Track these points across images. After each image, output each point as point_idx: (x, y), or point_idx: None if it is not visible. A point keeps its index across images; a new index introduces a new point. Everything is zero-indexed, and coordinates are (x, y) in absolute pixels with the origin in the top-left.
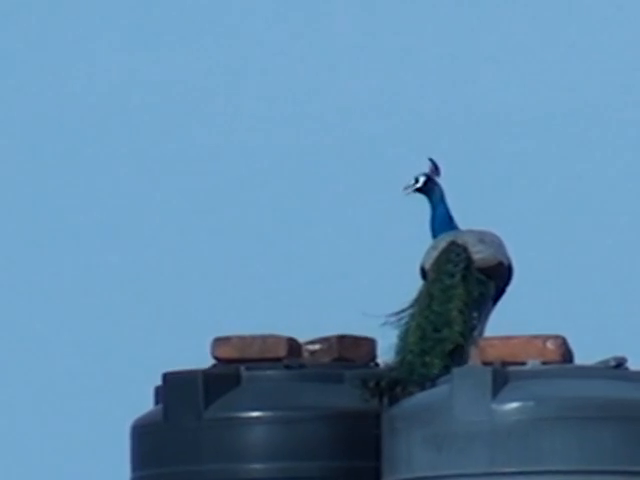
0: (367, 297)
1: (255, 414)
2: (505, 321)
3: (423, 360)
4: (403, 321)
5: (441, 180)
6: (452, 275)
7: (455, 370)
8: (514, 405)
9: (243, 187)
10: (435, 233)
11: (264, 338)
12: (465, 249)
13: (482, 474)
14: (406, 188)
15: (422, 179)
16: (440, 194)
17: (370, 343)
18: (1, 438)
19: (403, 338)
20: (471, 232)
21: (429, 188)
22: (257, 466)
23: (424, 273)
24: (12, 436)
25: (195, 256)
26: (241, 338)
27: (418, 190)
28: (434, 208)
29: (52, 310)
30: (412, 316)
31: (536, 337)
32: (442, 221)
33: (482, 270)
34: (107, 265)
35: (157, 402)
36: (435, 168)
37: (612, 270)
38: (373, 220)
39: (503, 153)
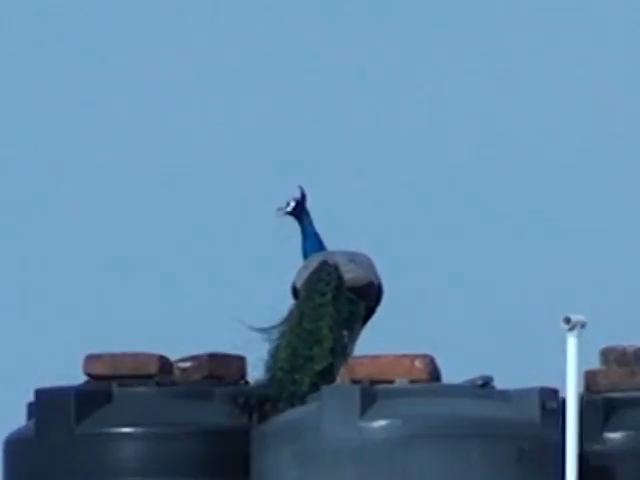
0: (239, 315)
1: (126, 430)
2: (374, 341)
3: (293, 377)
4: (273, 338)
5: (311, 204)
6: (323, 294)
7: (324, 388)
8: (382, 423)
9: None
10: (306, 254)
11: (136, 355)
12: (336, 268)
13: None
14: (278, 210)
15: (292, 203)
16: (309, 218)
17: (240, 361)
18: None
19: (273, 355)
20: (342, 252)
21: (299, 212)
22: None
23: (295, 292)
24: None
25: (66, 273)
26: (113, 355)
27: (289, 213)
28: (304, 230)
29: None
30: (283, 333)
31: (404, 356)
32: (312, 242)
33: (353, 289)
34: None
35: (29, 418)
36: (302, 195)
37: (478, 290)
38: (246, 240)
39: (370, 175)
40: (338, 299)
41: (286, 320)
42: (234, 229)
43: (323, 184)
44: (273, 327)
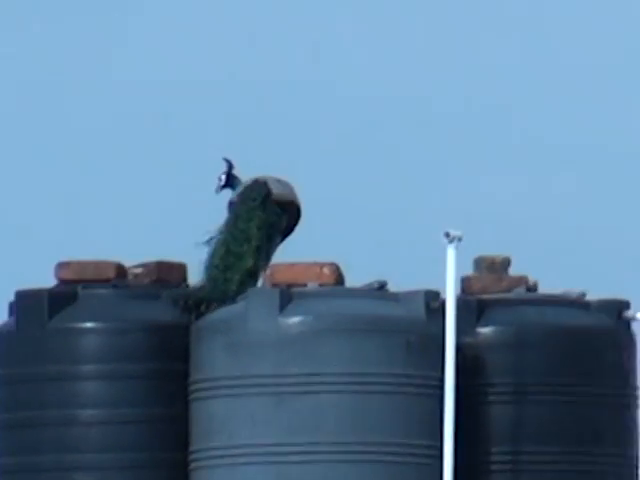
0: (183, 227)
1: (89, 325)
2: (291, 252)
3: (225, 276)
4: (213, 241)
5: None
6: (254, 199)
7: (250, 290)
8: (297, 319)
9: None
10: None
11: (97, 263)
12: (265, 184)
13: (269, 375)
14: (215, 191)
15: (223, 177)
16: (239, 181)
17: (183, 267)
18: None
19: (211, 255)
20: (271, 176)
21: (231, 182)
22: (90, 367)
23: (231, 206)
24: None
25: (49, 187)
26: (79, 263)
27: (224, 187)
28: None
29: None
30: (219, 234)
31: (315, 264)
32: None
33: (278, 203)
34: None
35: (10, 315)
36: (229, 166)
37: (372, 212)
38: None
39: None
40: (266, 207)
41: (223, 226)
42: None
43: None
44: (213, 236)
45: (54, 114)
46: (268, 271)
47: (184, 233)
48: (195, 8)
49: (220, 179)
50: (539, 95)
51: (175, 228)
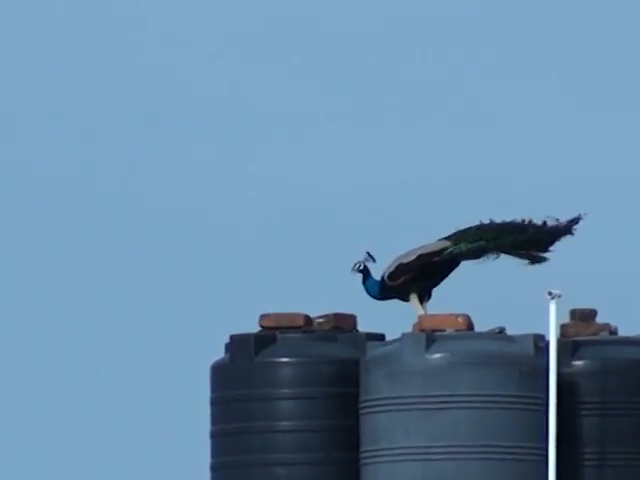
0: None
1: (285, 360)
2: (437, 303)
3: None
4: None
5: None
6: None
7: (404, 334)
8: (438, 355)
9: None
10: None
11: (290, 314)
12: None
13: (418, 396)
14: (352, 270)
15: (362, 266)
16: (370, 275)
17: (354, 317)
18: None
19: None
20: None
21: (365, 273)
22: (286, 390)
23: (382, 281)
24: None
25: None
26: (277, 314)
27: (360, 273)
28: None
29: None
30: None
31: (452, 315)
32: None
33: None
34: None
35: (226, 352)
36: (372, 258)
37: None
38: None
39: None
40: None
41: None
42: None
43: None
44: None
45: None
46: (417, 320)
47: (355, 289)
48: None
49: (359, 265)
50: None
51: (348, 285)
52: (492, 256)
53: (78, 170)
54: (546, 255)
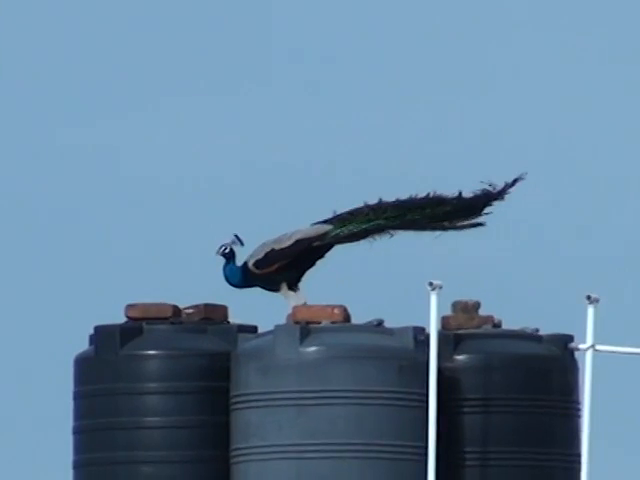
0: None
1: (152, 352)
2: (311, 294)
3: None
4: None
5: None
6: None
7: (276, 326)
8: (313, 348)
9: None
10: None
11: (158, 305)
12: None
13: (292, 391)
14: (216, 252)
15: (227, 250)
16: (234, 259)
17: (225, 308)
18: None
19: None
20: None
21: (230, 256)
22: (152, 384)
23: (245, 265)
24: None
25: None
26: (143, 304)
27: (224, 256)
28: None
29: None
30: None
31: (328, 306)
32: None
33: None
34: None
35: (90, 344)
36: (239, 241)
37: None
38: None
39: None
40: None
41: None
42: None
43: None
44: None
45: None
46: (291, 311)
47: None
48: None
49: (225, 248)
50: None
51: (219, 274)
52: (384, 236)
53: None
54: (481, 220)
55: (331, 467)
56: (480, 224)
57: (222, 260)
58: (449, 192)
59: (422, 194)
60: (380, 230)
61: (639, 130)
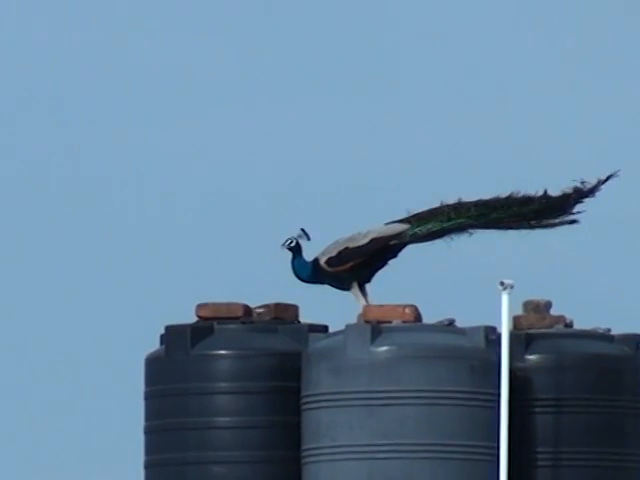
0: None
1: (223, 352)
2: (381, 293)
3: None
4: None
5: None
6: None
7: (347, 325)
8: (385, 348)
9: None
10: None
11: (229, 304)
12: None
13: (363, 391)
14: (282, 245)
15: (293, 243)
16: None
17: (296, 308)
18: None
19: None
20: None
21: (297, 250)
22: (222, 384)
23: (315, 262)
24: None
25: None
26: (214, 304)
27: (290, 250)
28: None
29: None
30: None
31: (399, 305)
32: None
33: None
34: None
35: (161, 344)
36: (307, 236)
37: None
38: None
39: None
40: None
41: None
42: None
43: None
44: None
45: None
46: (362, 310)
47: (296, 279)
48: None
49: (291, 241)
50: None
51: (290, 273)
52: (463, 235)
53: None
54: (574, 218)
55: (402, 467)
56: (574, 221)
57: (290, 256)
58: (534, 191)
59: (505, 193)
60: (461, 229)
61: None
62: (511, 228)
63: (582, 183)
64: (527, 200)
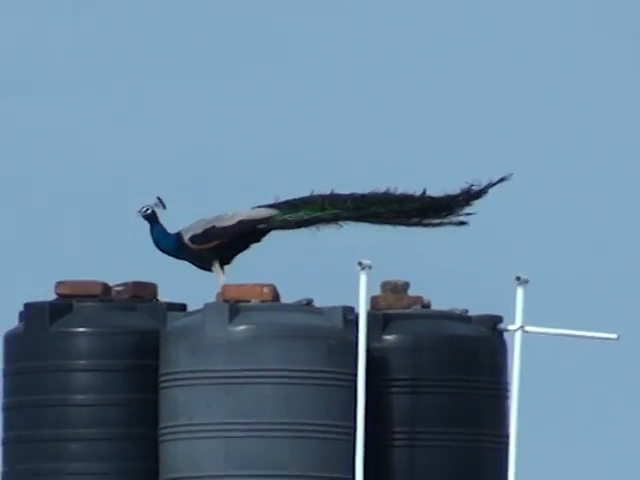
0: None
1: (81, 329)
2: (241, 273)
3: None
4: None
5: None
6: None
7: (206, 304)
8: (242, 327)
9: None
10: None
11: (88, 282)
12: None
13: (221, 370)
14: (137, 213)
15: (149, 211)
16: (159, 221)
17: (154, 286)
18: None
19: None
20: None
21: (152, 219)
22: (82, 362)
23: (178, 235)
24: None
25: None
26: (73, 282)
27: (146, 219)
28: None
29: None
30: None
31: (257, 285)
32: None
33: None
34: None
35: (20, 321)
36: (162, 204)
37: None
38: None
39: None
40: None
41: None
42: None
43: None
44: None
45: None
46: (220, 289)
47: (155, 257)
48: None
49: (147, 209)
50: None
51: (148, 252)
52: (333, 226)
53: None
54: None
55: (260, 446)
56: (463, 223)
57: (147, 226)
58: (412, 190)
59: (382, 189)
60: (335, 220)
61: None
62: (388, 224)
63: (471, 185)
64: (407, 198)
